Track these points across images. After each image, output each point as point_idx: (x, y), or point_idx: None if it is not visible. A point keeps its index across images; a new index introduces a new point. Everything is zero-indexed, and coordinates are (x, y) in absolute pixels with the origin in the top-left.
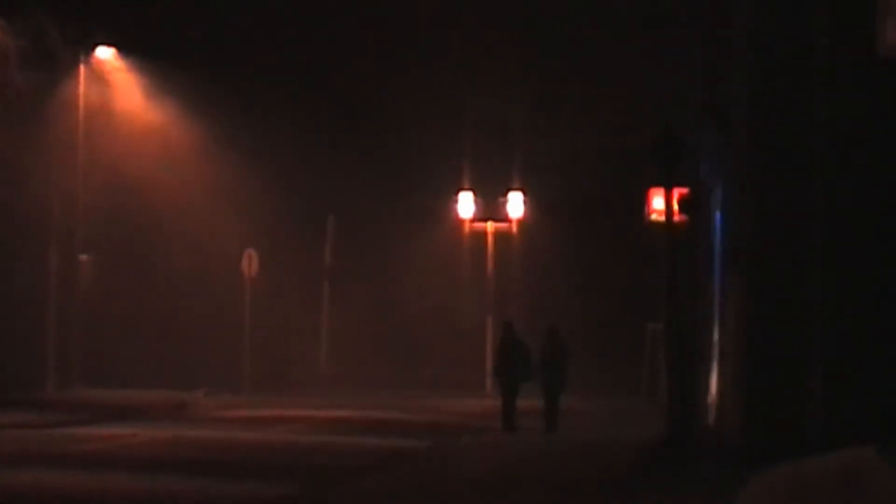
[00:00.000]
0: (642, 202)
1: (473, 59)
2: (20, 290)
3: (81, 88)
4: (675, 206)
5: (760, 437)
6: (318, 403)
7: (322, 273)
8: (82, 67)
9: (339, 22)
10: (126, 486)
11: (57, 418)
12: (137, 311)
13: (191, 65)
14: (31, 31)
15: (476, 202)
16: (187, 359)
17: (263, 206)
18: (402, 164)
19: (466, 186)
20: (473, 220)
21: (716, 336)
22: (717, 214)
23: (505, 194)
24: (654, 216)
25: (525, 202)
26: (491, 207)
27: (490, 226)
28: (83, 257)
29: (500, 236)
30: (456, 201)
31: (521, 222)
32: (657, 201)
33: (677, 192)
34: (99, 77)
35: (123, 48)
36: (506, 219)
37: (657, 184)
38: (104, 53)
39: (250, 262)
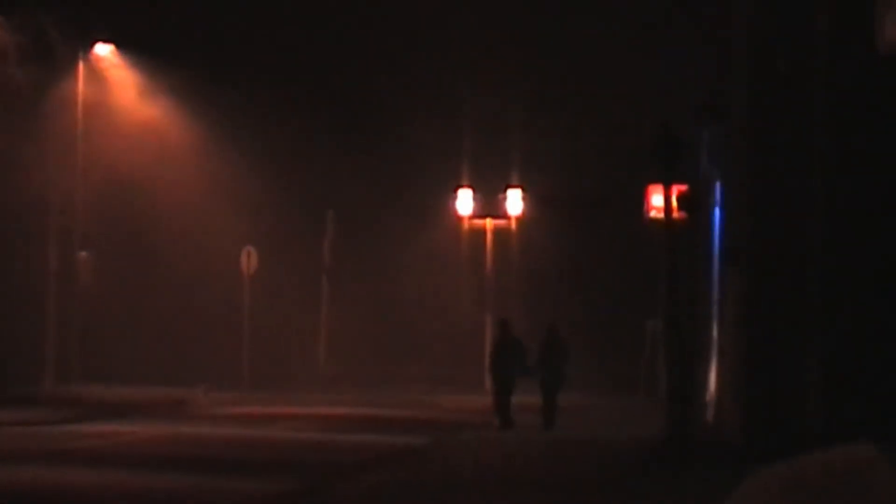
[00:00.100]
0: (641, 200)
1: (473, 57)
2: (19, 288)
3: (80, 86)
4: (675, 204)
5: (759, 436)
6: (317, 400)
7: (321, 270)
8: (81, 64)
9: (338, 20)
10: (125, 483)
11: (56, 415)
12: (136, 308)
13: (189, 62)
14: (30, 28)
15: (475, 199)
16: (186, 356)
17: (263, 203)
18: (401, 162)
19: (465, 184)
20: (472, 218)
21: (715, 334)
22: (717, 212)
23: (504, 191)
24: (653, 214)
25: (524, 199)
26: (490, 205)
27: (489, 223)
28: (82, 254)
29: (499, 233)
30: (455, 198)
31: (520, 219)
32: (656, 199)
33: (676, 190)
34: (98, 74)
35: (122, 45)
36: (505, 216)
37: (656, 181)
38: (103, 50)
39: (249, 260)
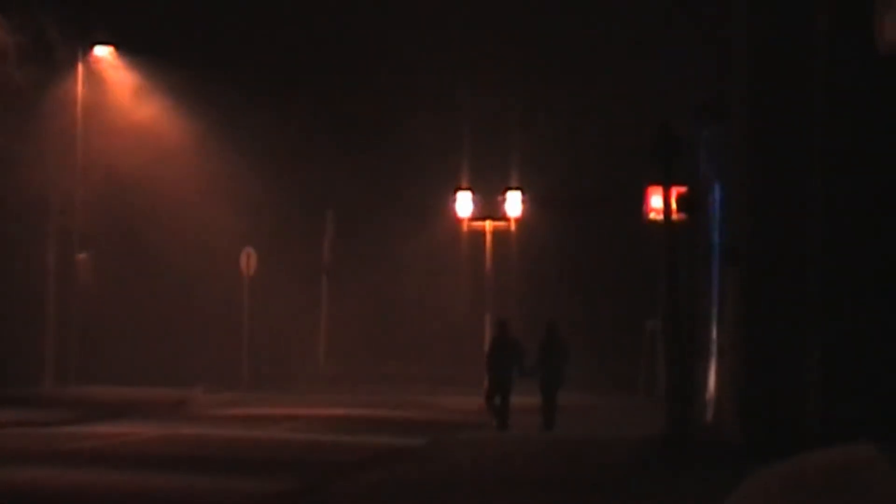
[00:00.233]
0: (641, 200)
1: (472, 57)
2: (18, 288)
3: (79, 86)
4: (674, 205)
5: (759, 435)
6: (316, 400)
7: (321, 270)
8: (80, 65)
9: (338, 20)
10: (125, 483)
11: (55, 416)
12: (136, 308)
13: (189, 62)
14: (29, 29)
15: (474, 201)
16: (186, 356)
17: (263, 203)
18: (400, 163)
19: (465, 185)
20: (472, 219)
21: (714, 334)
22: (716, 213)
23: (503, 193)
24: (652, 215)
25: (523, 201)
26: (489, 206)
27: (488, 224)
28: (81, 255)
29: (499, 235)
30: (454, 200)
31: (519, 221)
32: (656, 200)
33: (676, 191)
34: (97, 74)
35: (121, 46)
36: (504, 217)
37: (656, 182)
38: (102, 51)
39: (248, 261)
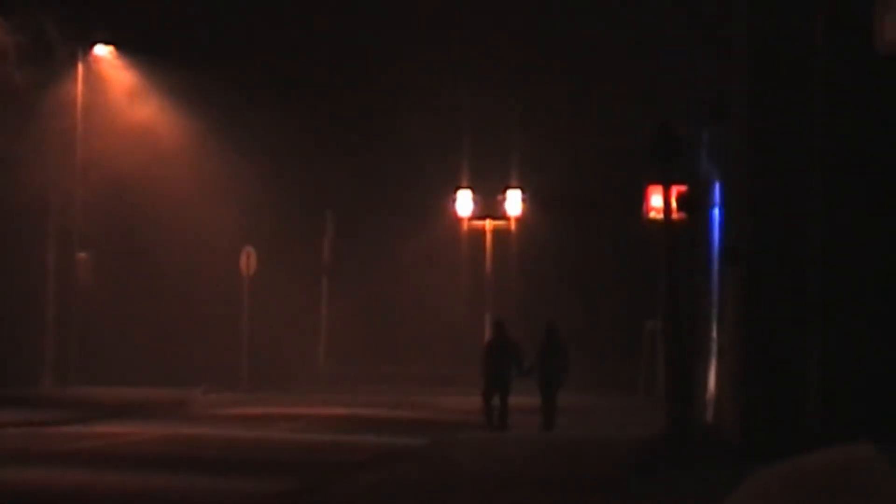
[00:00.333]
0: (641, 200)
1: (472, 57)
2: (18, 288)
3: (79, 86)
4: (674, 204)
5: (759, 435)
6: (316, 400)
7: (321, 270)
8: (80, 65)
9: (338, 19)
10: (124, 483)
11: (55, 416)
12: (136, 308)
13: (189, 62)
14: (29, 29)
15: (474, 200)
16: (186, 356)
17: (262, 203)
18: (400, 162)
19: (465, 184)
20: (472, 218)
21: (714, 334)
22: (716, 212)
23: (503, 192)
24: (652, 214)
25: (523, 200)
26: (489, 205)
27: (488, 224)
28: (81, 255)
29: (499, 234)
30: (454, 199)
31: (519, 220)
32: (656, 199)
33: (676, 190)
34: (97, 75)
35: (121, 46)
36: (504, 217)
37: (656, 181)
38: (102, 51)
39: (248, 261)
